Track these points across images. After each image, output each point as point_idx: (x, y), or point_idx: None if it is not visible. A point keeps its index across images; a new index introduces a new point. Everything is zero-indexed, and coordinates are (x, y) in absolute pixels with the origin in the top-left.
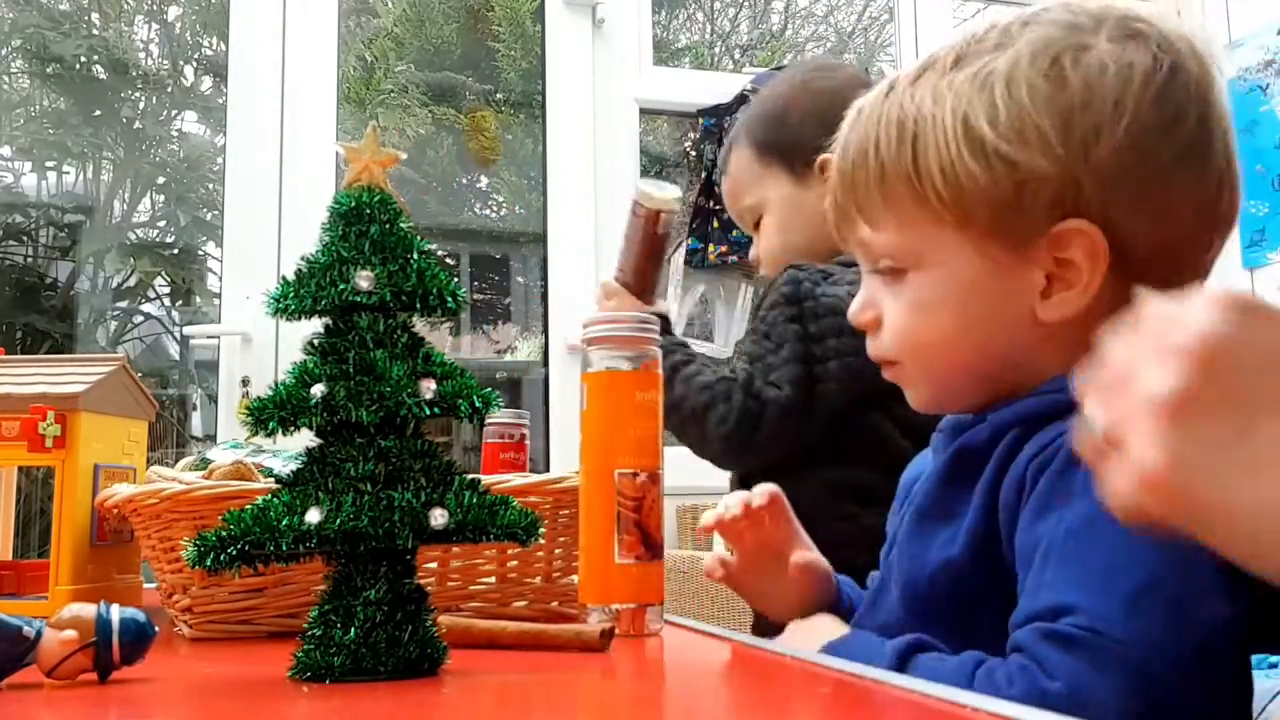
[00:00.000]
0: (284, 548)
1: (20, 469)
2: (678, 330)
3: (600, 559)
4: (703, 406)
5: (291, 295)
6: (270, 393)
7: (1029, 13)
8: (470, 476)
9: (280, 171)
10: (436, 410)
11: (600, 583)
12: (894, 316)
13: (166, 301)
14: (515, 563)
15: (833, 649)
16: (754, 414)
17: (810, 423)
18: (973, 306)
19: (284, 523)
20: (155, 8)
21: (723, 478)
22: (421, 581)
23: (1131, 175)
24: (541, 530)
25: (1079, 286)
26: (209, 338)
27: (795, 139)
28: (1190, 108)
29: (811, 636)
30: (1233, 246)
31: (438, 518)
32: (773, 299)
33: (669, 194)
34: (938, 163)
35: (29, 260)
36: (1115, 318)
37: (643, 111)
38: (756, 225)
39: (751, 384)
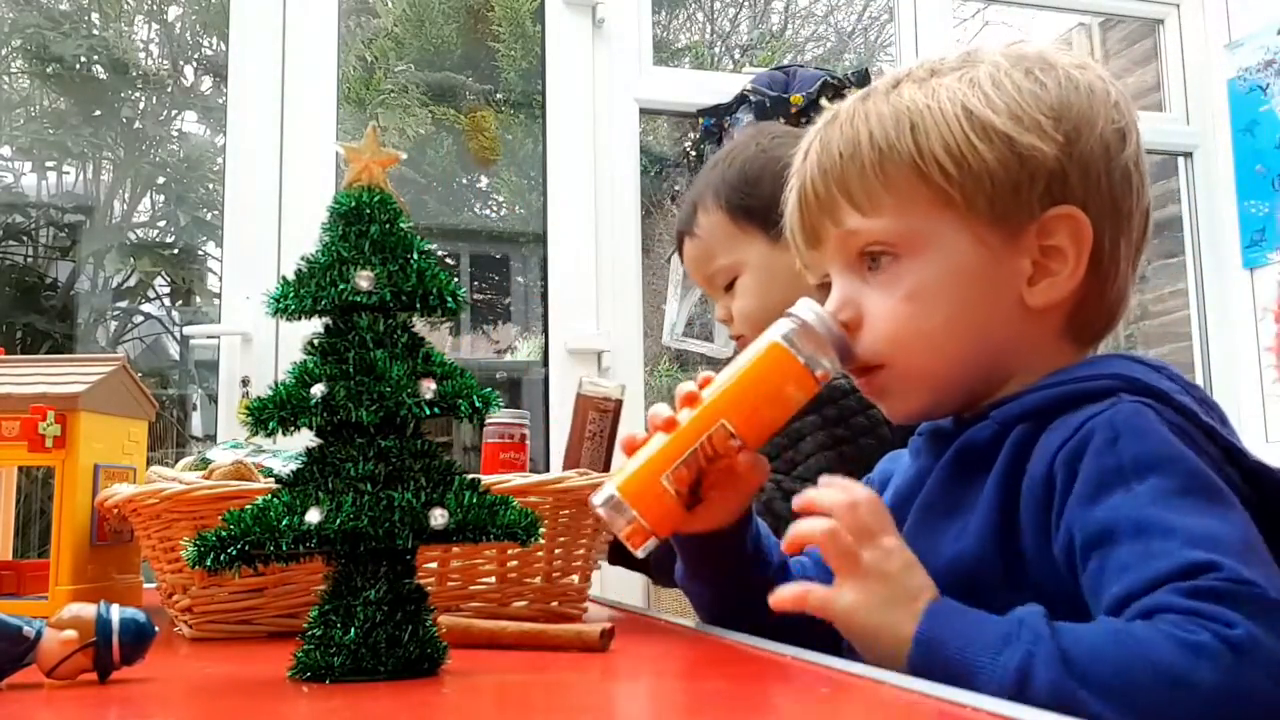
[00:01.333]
0: (284, 548)
1: (20, 469)
2: (678, 330)
3: (652, 468)
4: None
5: (291, 295)
6: (270, 393)
7: (977, 47)
8: (470, 476)
9: (280, 171)
10: (436, 410)
11: (636, 483)
12: (885, 309)
13: (166, 301)
14: (515, 563)
15: (935, 622)
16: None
17: None
18: (968, 293)
19: (284, 523)
20: (155, 8)
21: None
22: (421, 581)
23: (1103, 174)
24: (541, 530)
25: (1066, 271)
26: (209, 338)
27: (771, 202)
28: (1133, 125)
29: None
30: (1233, 247)
31: (438, 518)
32: None
33: (616, 384)
34: (942, 145)
35: (29, 260)
36: (1086, 309)
37: (643, 111)
38: (727, 288)
39: (780, 487)
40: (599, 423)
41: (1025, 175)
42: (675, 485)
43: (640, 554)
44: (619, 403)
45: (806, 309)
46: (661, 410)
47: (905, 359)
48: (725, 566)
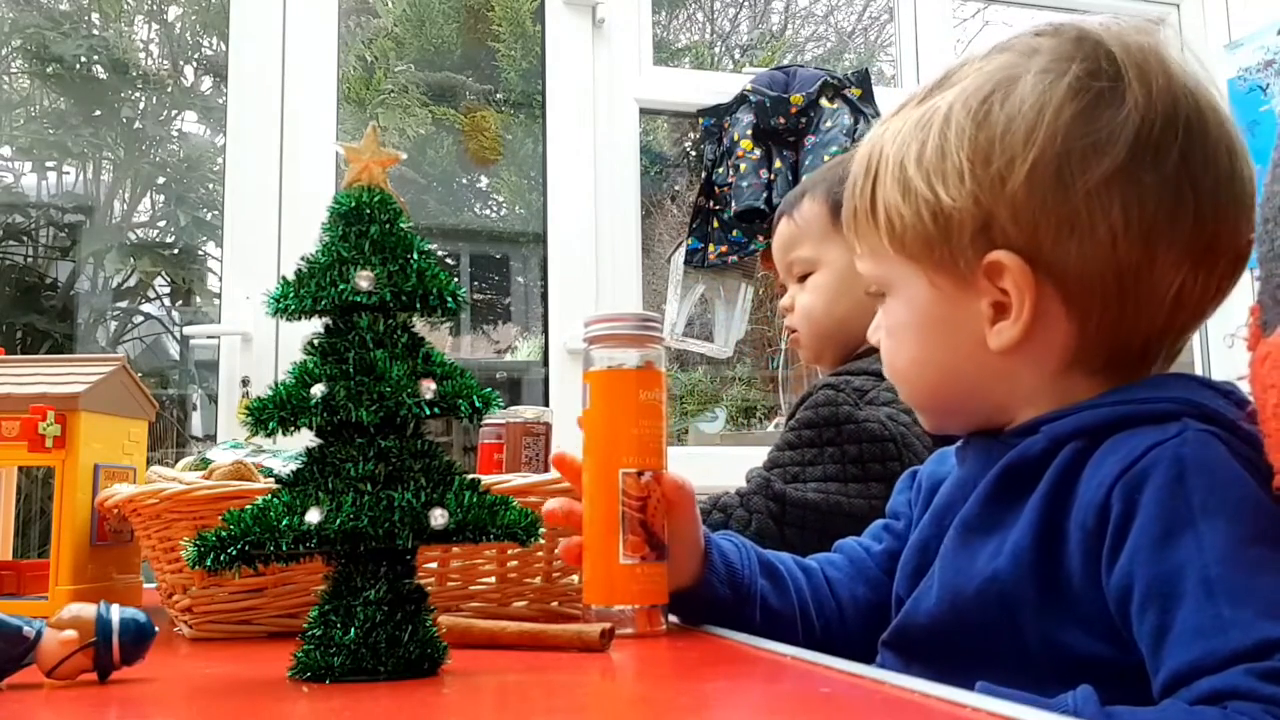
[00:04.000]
0: (284, 548)
1: (20, 469)
2: (677, 330)
3: (604, 559)
4: (718, 525)
5: (291, 295)
6: (270, 393)
7: (1002, 41)
8: (470, 476)
9: (280, 171)
10: (436, 410)
11: (605, 583)
12: (882, 341)
13: (166, 301)
14: (515, 563)
15: None
16: (774, 513)
17: (835, 530)
18: (930, 333)
19: (284, 523)
20: (155, 8)
21: (723, 479)
22: (421, 581)
23: (1052, 203)
24: (541, 530)
25: (1012, 316)
26: (209, 338)
27: None
28: (1124, 130)
29: None
30: None
31: (438, 518)
32: (807, 417)
33: (540, 408)
34: (883, 201)
35: (29, 260)
36: (1088, 342)
37: (643, 111)
38: (801, 279)
39: (770, 485)
40: (533, 447)
41: (951, 228)
42: (636, 554)
43: (661, 628)
44: (549, 425)
45: (591, 329)
46: (573, 505)
47: (896, 384)
48: (714, 614)
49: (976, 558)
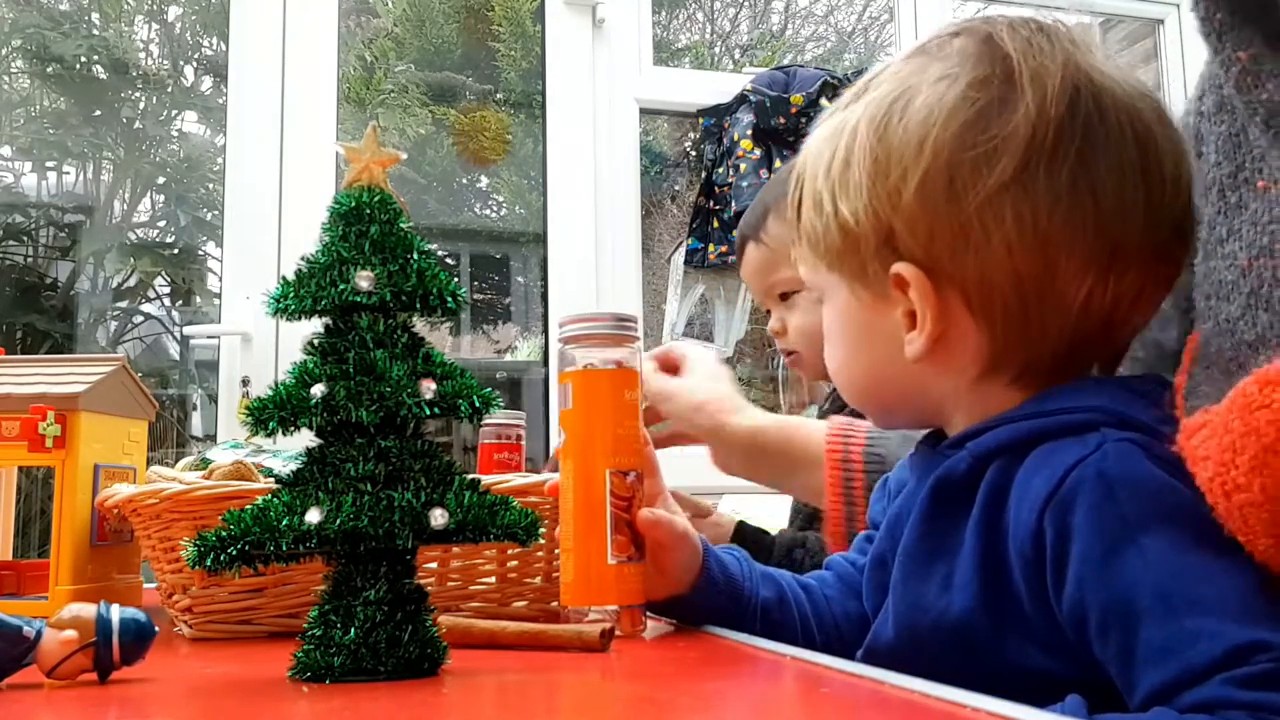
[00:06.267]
0: (284, 548)
1: (20, 469)
2: (678, 330)
3: (595, 560)
4: (799, 563)
5: (291, 295)
6: (270, 393)
7: (924, 40)
8: (470, 476)
9: (280, 171)
10: (436, 410)
11: (596, 584)
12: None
13: (166, 301)
14: (515, 563)
15: None
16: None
17: None
18: (856, 340)
19: (284, 523)
20: (155, 8)
21: (723, 478)
22: (421, 581)
23: (945, 216)
24: (541, 530)
25: (918, 328)
26: (209, 338)
27: None
28: (1014, 139)
29: None
30: None
31: (438, 518)
32: None
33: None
34: (803, 212)
35: (29, 260)
36: (1003, 354)
37: (643, 111)
38: (783, 298)
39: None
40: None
41: (857, 241)
42: (623, 554)
43: (646, 629)
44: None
45: (568, 329)
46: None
47: (837, 388)
48: (713, 622)
49: (925, 589)
